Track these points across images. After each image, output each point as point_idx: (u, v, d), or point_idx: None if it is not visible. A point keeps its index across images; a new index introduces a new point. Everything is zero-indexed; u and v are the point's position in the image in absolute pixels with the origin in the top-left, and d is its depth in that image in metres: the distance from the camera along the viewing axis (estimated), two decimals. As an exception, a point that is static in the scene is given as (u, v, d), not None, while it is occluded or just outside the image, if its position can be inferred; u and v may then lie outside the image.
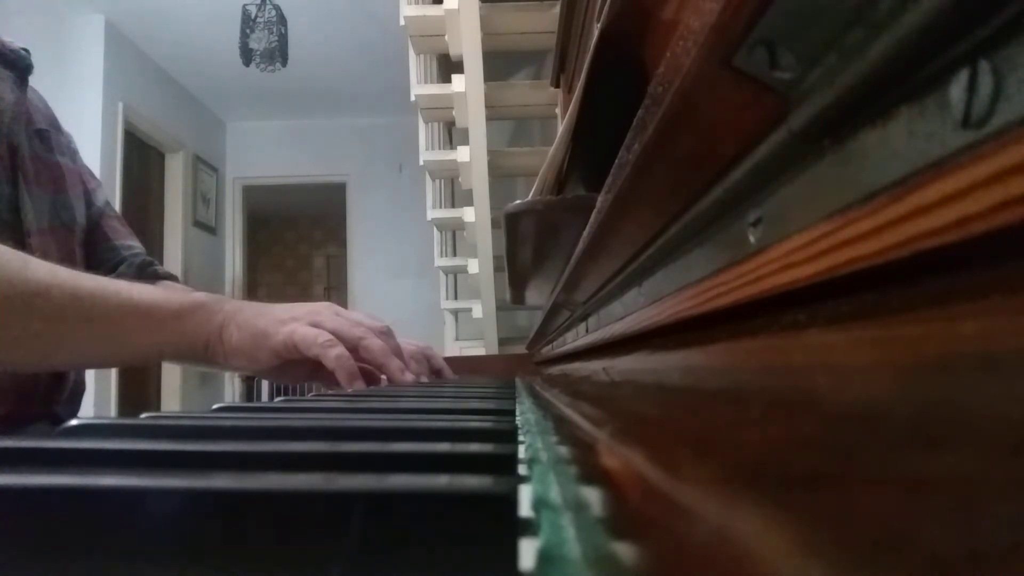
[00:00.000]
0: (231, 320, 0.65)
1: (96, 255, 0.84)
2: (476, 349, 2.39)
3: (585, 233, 0.37)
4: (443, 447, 0.21)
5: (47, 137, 0.80)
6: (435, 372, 0.90)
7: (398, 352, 0.68)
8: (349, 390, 0.62)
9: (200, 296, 0.67)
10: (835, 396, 0.13)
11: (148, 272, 0.86)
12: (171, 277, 0.89)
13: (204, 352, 0.65)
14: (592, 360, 0.51)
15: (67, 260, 0.78)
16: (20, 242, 0.71)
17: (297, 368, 0.67)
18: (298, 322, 0.65)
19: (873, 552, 0.08)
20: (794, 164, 0.16)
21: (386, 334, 0.68)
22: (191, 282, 0.78)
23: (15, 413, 0.70)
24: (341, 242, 5.40)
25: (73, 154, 0.85)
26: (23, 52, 0.77)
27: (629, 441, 0.19)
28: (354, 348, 0.64)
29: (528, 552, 0.14)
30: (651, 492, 0.14)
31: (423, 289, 4.05)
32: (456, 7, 1.90)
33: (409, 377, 0.67)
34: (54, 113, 0.84)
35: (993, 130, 0.09)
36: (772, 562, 0.09)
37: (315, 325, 0.64)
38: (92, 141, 3.50)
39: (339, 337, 0.64)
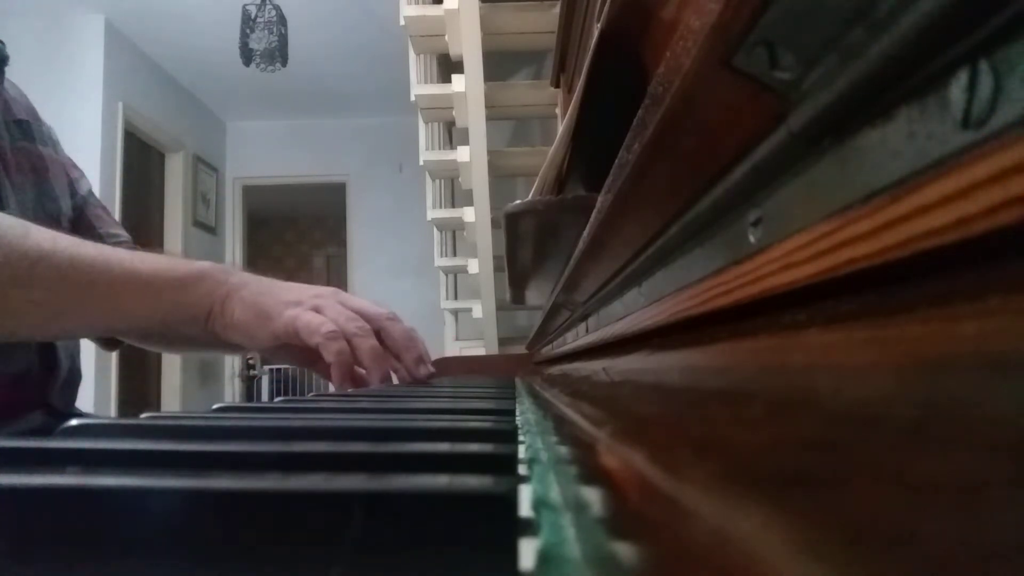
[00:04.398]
0: (235, 293, 0.65)
1: None
2: (476, 349, 2.39)
3: (585, 233, 0.37)
4: (443, 447, 0.21)
5: (27, 127, 0.79)
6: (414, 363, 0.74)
7: (405, 339, 0.68)
8: (342, 388, 0.62)
9: (204, 265, 0.67)
10: (835, 396, 0.13)
11: None
12: None
13: (204, 323, 0.65)
14: (592, 360, 0.51)
15: None
16: None
17: (293, 352, 0.67)
18: (301, 306, 0.64)
19: (873, 552, 0.08)
20: (794, 164, 0.16)
21: (392, 320, 0.68)
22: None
23: (8, 403, 0.70)
24: (341, 242, 5.40)
25: (55, 144, 0.84)
26: None
27: (629, 441, 0.19)
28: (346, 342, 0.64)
29: (528, 552, 0.14)
30: (651, 492, 0.14)
31: (423, 289, 4.05)
32: (456, 7, 1.90)
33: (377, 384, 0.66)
34: (32, 104, 0.84)
35: (993, 130, 0.09)
36: (772, 562, 0.09)
37: (316, 311, 0.64)
38: (92, 141, 3.49)
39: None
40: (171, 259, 0.69)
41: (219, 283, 0.65)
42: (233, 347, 0.70)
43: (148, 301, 0.62)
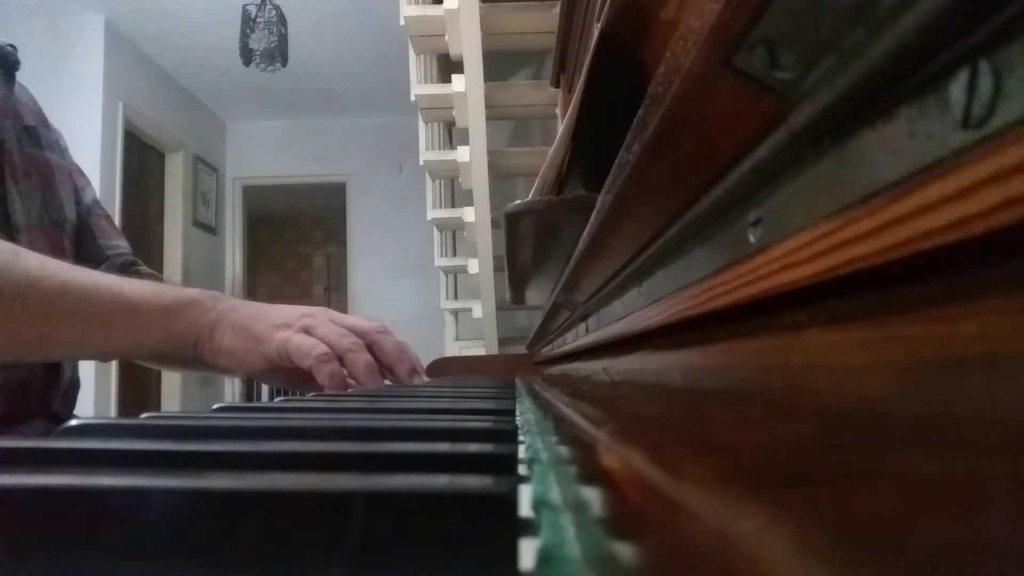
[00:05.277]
0: (224, 319, 0.65)
1: (81, 254, 0.84)
2: (476, 349, 2.39)
3: (585, 233, 0.37)
4: (443, 447, 0.21)
5: (36, 133, 0.79)
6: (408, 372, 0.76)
7: (398, 352, 0.68)
8: None
9: (193, 293, 0.67)
10: (835, 396, 0.13)
11: (130, 272, 0.85)
12: (155, 277, 0.88)
13: (193, 349, 0.65)
14: (592, 360, 0.51)
15: (57, 257, 0.77)
16: (9, 238, 0.71)
17: (286, 374, 0.67)
18: (291, 328, 0.64)
19: (873, 552, 0.08)
20: (794, 164, 0.16)
21: (384, 333, 0.68)
22: (191, 282, 0.77)
23: (10, 411, 0.70)
24: (341, 242, 5.41)
25: (63, 151, 0.84)
26: (9, 48, 0.77)
27: (629, 441, 0.19)
28: (339, 358, 0.64)
29: (528, 552, 0.14)
30: (651, 492, 0.14)
31: (423, 289, 4.05)
32: (456, 7, 1.90)
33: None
34: (42, 109, 0.84)
35: (993, 130, 0.09)
36: (772, 562, 0.09)
37: (306, 331, 0.64)
38: (92, 141, 3.49)
39: (327, 346, 0.64)
40: (161, 286, 0.69)
41: (207, 309, 0.65)
42: (226, 369, 0.70)
43: (136, 328, 0.62)
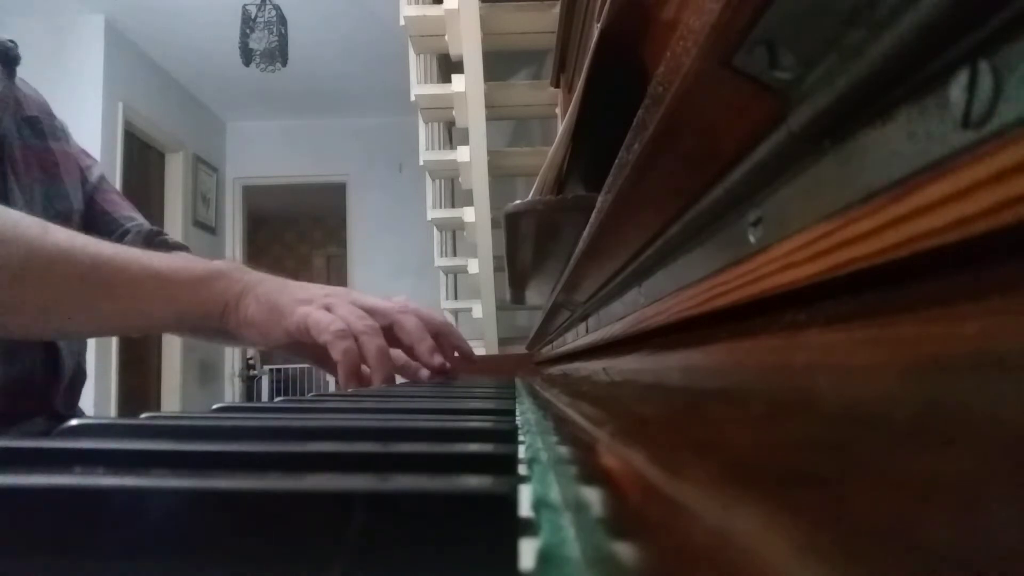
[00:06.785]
0: (250, 291, 0.66)
1: (95, 229, 0.83)
2: (476, 349, 2.38)
3: (585, 233, 0.37)
4: (443, 447, 0.21)
5: (38, 123, 0.79)
6: (462, 356, 0.79)
7: (419, 331, 0.68)
8: (345, 389, 0.62)
9: (220, 264, 0.68)
10: (835, 396, 0.13)
11: (157, 242, 0.84)
12: (182, 247, 0.88)
13: (219, 320, 0.66)
14: (592, 360, 0.51)
15: None
16: None
17: (305, 349, 0.68)
18: (313, 304, 0.65)
19: (873, 552, 0.08)
20: (794, 164, 0.16)
21: (405, 312, 0.69)
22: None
23: (11, 408, 0.69)
24: (341, 242, 5.41)
25: (67, 136, 0.84)
26: (10, 43, 0.77)
27: (629, 441, 0.19)
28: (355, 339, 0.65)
29: (528, 552, 0.14)
30: (651, 492, 0.14)
31: (423, 289, 4.04)
32: (456, 7, 1.90)
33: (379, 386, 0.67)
34: (46, 100, 0.84)
35: (993, 130, 0.09)
36: (772, 562, 0.09)
37: (327, 310, 0.65)
38: (92, 141, 3.49)
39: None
40: (188, 257, 0.71)
41: (235, 281, 0.66)
42: (250, 341, 0.70)
43: (165, 299, 0.63)
